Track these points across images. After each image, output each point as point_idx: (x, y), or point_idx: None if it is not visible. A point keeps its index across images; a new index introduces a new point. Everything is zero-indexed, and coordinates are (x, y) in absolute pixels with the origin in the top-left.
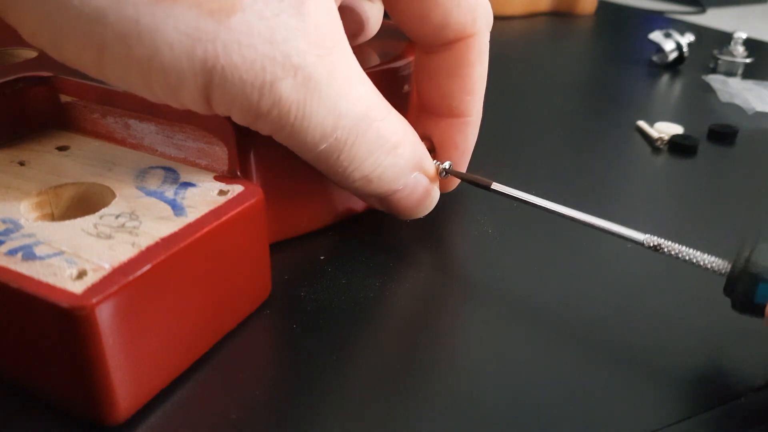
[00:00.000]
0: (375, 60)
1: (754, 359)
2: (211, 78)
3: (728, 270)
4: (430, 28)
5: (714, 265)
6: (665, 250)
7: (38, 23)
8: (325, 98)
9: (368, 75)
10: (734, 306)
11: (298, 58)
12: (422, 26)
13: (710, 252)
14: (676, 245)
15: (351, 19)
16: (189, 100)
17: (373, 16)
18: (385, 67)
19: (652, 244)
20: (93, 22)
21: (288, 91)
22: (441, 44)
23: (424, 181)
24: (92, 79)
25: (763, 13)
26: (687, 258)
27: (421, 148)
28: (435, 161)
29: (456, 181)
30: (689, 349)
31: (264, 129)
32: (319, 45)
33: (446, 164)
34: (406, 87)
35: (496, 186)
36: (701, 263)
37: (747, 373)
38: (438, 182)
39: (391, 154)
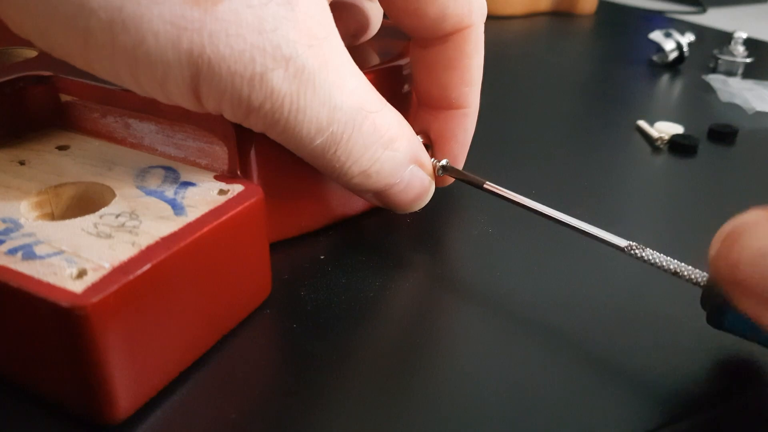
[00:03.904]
0: (375, 59)
1: (754, 359)
2: (198, 70)
3: (705, 282)
4: (428, 22)
5: (693, 276)
6: (646, 257)
7: (24, 12)
8: (319, 90)
9: (371, 74)
10: (708, 320)
11: (289, 48)
12: (419, 20)
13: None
14: (657, 254)
15: (353, 18)
16: (177, 93)
17: (374, 15)
18: (388, 65)
19: (633, 252)
20: (77, 8)
21: (280, 83)
22: (438, 37)
23: (420, 174)
24: (92, 79)
25: (763, 13)
26: (667, 267)
27: (417, 141)
28: (432, 159)
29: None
30: (688, 350)
31: (257, 125)
32: (309, 35)
33: (443, 162)
34: (406, 86)
35: (488, 185)
36: (681, 273)
37: (746, 373)
38: (432, 174)
39: (388, 148)
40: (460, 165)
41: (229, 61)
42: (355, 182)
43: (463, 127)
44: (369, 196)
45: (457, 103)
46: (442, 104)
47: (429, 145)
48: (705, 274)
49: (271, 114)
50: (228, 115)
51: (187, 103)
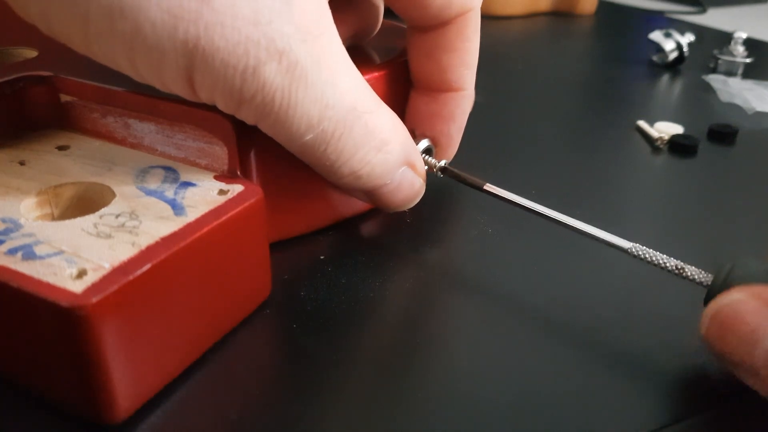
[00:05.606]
0: (376, 58)
1: None
2: (192, 60)
3: (709, 283)
4: (433, 11)
5: (697, 276)
6: (649, 258)
7: None
8: (312, 87)
9: (381, 70)
10: None
11: (283, 42)
12: (425, 9)
13: (710, 253)
14: (661, 255)
15: (355, 18)
16: (172, 81)
17: (376, 13)
18: (397, 60)
19: (636, 253)
20: None
21: (272, 76)
22: (440, 23)
23: (411, 176)
24: (92, 79)
25: (763, 13)
26: (671, 268)
27: (410, 143)
28: (431, 159)
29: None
30: (689, 349)
31: (249, 117)
32: (304, 30)
33: (442, 162)
34: None
35: (488, 187)
36: (685, 273)
37: None
38: (425, 176)
39: (381, 151)
40: (456, 147)
41: (223, 52)
42: (345, 182)
43: (462, 108)
44: (358, 194)
45: (456, 85)
46: (441, 87)
47: (431, 148)
48: (709, 274)
49: (262, 107)
50: (221, 106)
51: (182, 91)
